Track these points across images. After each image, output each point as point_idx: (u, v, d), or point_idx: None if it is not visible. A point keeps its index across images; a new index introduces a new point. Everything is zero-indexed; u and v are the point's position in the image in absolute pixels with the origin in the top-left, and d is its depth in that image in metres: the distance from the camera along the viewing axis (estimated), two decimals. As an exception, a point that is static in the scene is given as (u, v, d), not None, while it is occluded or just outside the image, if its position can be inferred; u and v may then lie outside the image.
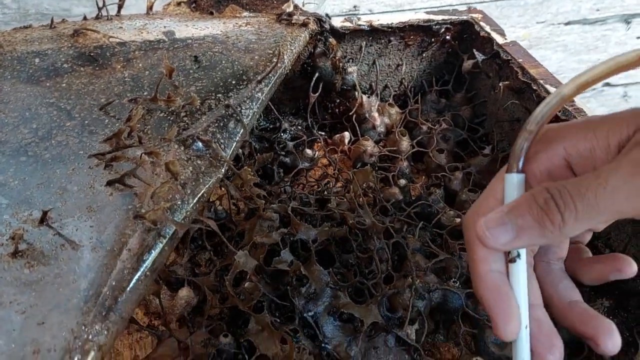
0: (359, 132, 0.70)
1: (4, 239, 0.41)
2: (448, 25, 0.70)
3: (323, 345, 0.46)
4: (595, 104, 1.47)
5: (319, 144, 0.70)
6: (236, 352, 0.46)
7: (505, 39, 0.67)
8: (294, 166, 0.65)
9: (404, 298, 0.50)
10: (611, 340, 0.31)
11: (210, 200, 0.58)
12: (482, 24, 0.69)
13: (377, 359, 0.48)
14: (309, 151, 0.67)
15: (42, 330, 0.35)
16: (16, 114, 0.53)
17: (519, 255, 0.30)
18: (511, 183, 0.30)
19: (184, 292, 0.50)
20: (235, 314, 0.50)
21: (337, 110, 0.73)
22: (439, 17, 0.70)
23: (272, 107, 0.66)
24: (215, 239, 0.56)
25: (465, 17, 0.70)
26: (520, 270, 0.31)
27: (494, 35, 0.67)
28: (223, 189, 0.58)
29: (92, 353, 0.34)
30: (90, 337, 0.35)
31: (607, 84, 1.43)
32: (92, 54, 0.59)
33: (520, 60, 0.63)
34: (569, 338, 0.49)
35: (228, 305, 0.48)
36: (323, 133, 0.72)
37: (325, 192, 0.58)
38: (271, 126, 0.71)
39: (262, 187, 0.59)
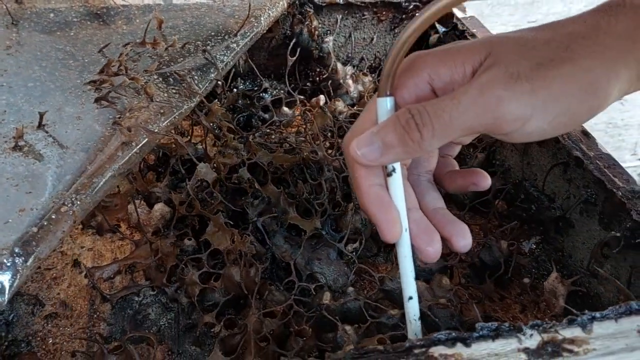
0: (333, 96, 0.78)
1: (9, 138, 0.50)
2: (417, 3, 0.78)
3: (270, 248, 0.54)
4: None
5: (299, 106, 0.79)
6: (197, 252, 0.55)
7: (465, 14, 0.74)
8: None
9: (347, 219, 0.57)
10: (463, 240, 0.36)
11: (192, 141, 0.67)
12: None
13: (320, 268, 0.55)
14: (286, 109, 0.75)
15: (29, 197, 0.44)
16: (30, 54, 0.62)
17: (394, 170, 0.34)
18: (382, 106, 0.34)
19: (159, 207, 0.59)
20: (201, 226, 0.58)
21: (317, 78, 0.81)
22: (409, -5, 0.78)
23: (255, 69, 0.75)
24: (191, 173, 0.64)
25: (433, -4, 0.78)
26: (397, 182, 0.35)
27: (455, 10, 0.74)
28: (202, 132, 0.67)
29: (66, 215, 0.43)
30: (66, 203, 0.44)
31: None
32: (98, 12, 0.69)
33: (475, 30, 0.70)
34: (490, 260, 0.56)
35: (194, 214, 0.56)
36: (302, 97, 0.80)
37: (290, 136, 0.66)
38: (256, 88, 0.79)
39: (238, 132, 0.67)
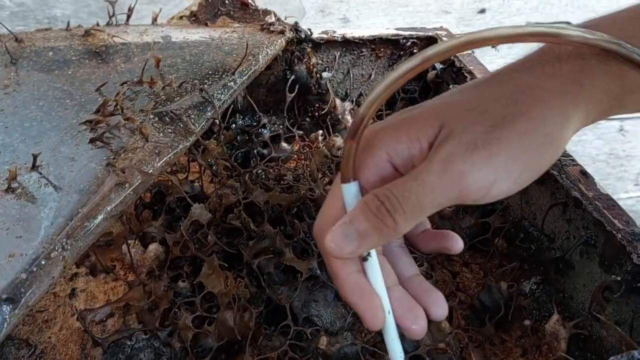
0: (331, 132, 0.78)
1: (2, 180, 0.49)
2: (414, 40, 0.78)
3: (266, 291, 0.53)
4: (592, 136, 1.52)
5: (297, 142, 0.79)
6: (191, 294, 0.54)
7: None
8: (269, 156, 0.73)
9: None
10: (439, 309, 0.36)
11: (189, 179, 0.66)
12: (444, 39, 0.77)
13: (317, 310, 0.54)
14: (284, 144, 0.75)
15: (19, 241, 0.43)
16: (27, 93, 0.62)
17: (369, 254, 0.34)
18: (348, 192, 0.33)
19: (153, 247, 0.58)
20: (195, 267, 0.57)
21: (316, 113, 0.81)
22: (407, 32, 0.78)
23: (254, 105, 0.75)
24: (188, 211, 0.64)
25: (430, 33, 0.79)
26: (374, 266, 0.34)
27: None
28: (200, 170, 0.67)
29: (57, 260, 0.42)
30: (56, 248, 0.43)
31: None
32: (97, 51, 0.69)
33: (471, 67, 0.70)
34: (490, 302, 0.55)
35: (188, 255, 0.55)
36: (301, 132, 0.80)
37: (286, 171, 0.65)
38: (255, 123, 0.79)
39: (235, 170, 0.67)
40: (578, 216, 0.52)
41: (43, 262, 0.42)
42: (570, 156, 0.55)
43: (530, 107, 0.31)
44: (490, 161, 0.30)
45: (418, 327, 0.35)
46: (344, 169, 0.33)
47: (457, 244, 0.39)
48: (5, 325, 0.38)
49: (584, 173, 0.54)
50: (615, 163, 1.57)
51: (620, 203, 0.52)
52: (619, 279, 0.45)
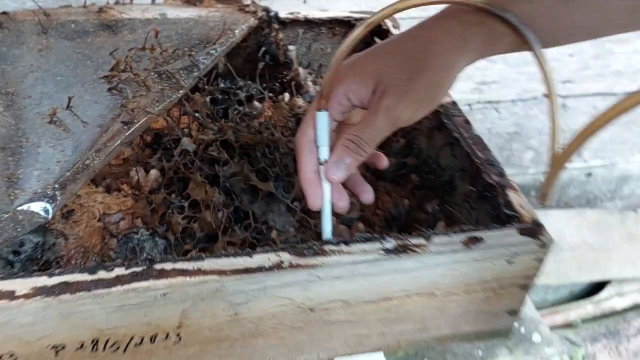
0: (294, 94, 0.98)
1: (45, 115, 0.69)
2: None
3: (235, 201, 0.73)
4: (537, 110, 1.72)
5: (267, 102, 0.98)
6: (182, 205, 0.74)
7: (399, 30, 0.94)
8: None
9: (295, 184, 0.76)
10: (367, 196, 0.61)
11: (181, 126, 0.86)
12: (388, 22, 0.97)
13: (272, 217, 0.75)
14: (256, 103, 0.95)
15: (62, 154, 0.63)
16: (57, 56, 0.82)
17: (326, 161, 0.56)
18: (321, 117, 0.55)
19: (154, 172, 0.78)
20: (185, 186, 0.77)
21: (283, 79, 1.01)
22: (357, 15, 0.98)
23: (233, 71, 0.94)
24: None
25: (376, 16, 0.98)
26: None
27: (393, 30, 0.94)
28: (188, 121, 0.86)
29: (89, 166, 0.62)
30: (88, 158, 0.63)
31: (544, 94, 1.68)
32: (109, 24, 0.88)
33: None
34: (397, 214, 0.75)
35: (179, 176, 0.75)
36: (271, 94, 1.00)
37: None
38: (234, 86, 0.98)
39: (216, 119, 0.86)
40: (460, 152, 0.72)
41: (80, 166, 0.62)
42: (459, 109, 0.76)
43: (431, 60, 0.52)
44: (412, 103, 0.52)
45: (342, 204, 0.58)
46: (319, 98, 0.55)
47: (382, 160, 0.63)
48: (57, 203, 0.58)
49: (467, 122, 0.74)
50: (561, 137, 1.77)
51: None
52: (474, 190, 0.66)
